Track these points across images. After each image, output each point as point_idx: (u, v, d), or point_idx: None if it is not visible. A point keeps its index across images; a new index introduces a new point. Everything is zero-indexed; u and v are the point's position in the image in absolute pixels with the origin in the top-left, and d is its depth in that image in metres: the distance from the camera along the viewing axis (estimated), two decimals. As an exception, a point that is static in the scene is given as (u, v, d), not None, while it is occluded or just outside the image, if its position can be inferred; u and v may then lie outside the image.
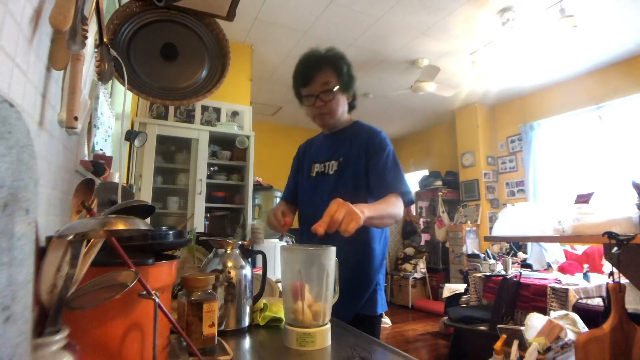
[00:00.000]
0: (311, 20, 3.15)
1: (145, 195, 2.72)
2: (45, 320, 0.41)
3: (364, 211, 0.90)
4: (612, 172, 3.79)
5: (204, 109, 3.29)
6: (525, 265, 3.80)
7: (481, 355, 2.35)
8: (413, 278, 5.22)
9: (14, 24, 0.49)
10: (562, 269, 3.49)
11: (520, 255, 4.12)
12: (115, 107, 1.90)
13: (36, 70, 0.59)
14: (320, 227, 0.83)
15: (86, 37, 0.64)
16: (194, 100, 1.21)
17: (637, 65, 3.72)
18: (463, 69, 4.02)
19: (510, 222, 2.18)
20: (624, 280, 1.44)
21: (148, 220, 0.70)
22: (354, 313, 1.15)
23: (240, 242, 0.90)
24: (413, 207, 5.77)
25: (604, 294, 2.55)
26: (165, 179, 3.05)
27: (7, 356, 0.31)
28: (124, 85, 0.95)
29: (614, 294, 1.39)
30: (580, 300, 2.62)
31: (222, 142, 3.28)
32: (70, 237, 0.44)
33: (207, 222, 3.06)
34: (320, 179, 1.28)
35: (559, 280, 3.01)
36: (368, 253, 1.19)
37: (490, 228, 4.60)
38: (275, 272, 2.06)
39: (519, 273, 3.13)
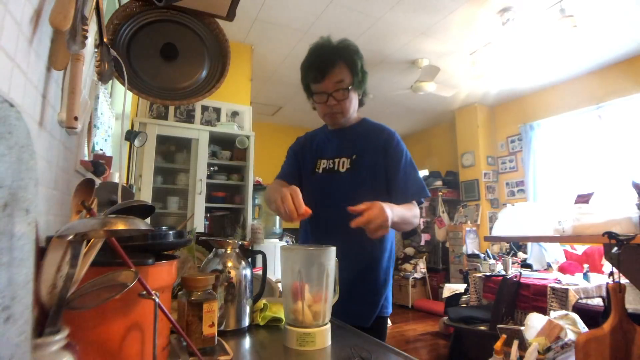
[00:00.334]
0: (311, 20, 3.15)
1: (145, 195, 2.72)
2: (45, 320, 0.41)
3: (393, 219, 0.95)
4: (612, 172, 3.79)
5: (204, 109, 3.29)
6: (525, 265, 3.80)
7: (481, 355, 2.35)
8: (413, 278, 5.22)
9: (14, 24, 0.49)
10: (562, 269, 3.49)
11: (520, 255, 4.12)
12: (115, 107, 1.90)
13: (36, 70, 0.59)
14: (354, 224, 0.88)
15: (86, 37, 0.64)
16: (194, 100, 1.21)
17: (637, 65, 3.72)
18: (463, 69, 4.02)
19: (510, 222, 2.18)
20: (624, 280, 1.44)
21: (148, 220, 0.70)
22: (376, 314, 1.16)
23: (240, 242, 0.90)
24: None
25: (604, 294, 2.55)
26: (165, 179, 3.05)
27: (7, 356, 0.31)
28: (124, 85, 0.95)
29: (614, 294, 1.39)
30: (580, 300, 2.62)
31: (222, 142, 3.28)
32: (70, 237, 0.44)
33: (207, 222, 3.06)
34: (329, 175, 1.22)
35: (559, 280, 3.01)
36: (382, 251, 1.20)
37: (490, 228, 4.60)
38: (275, 272, 2.06)
39: (519, 273, 3.13)
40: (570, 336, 2.02)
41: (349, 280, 1.07)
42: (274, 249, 2.90)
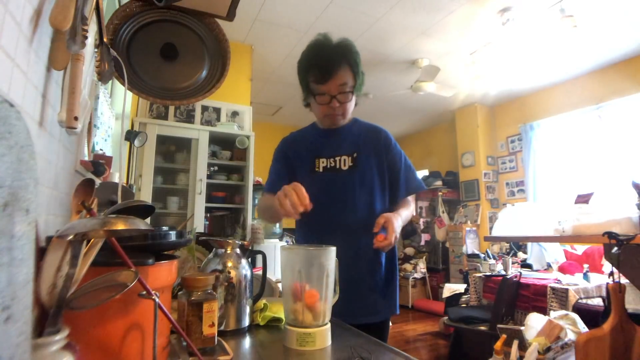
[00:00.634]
0: (311, 20, 3.15)
1: (145, 195, 2.72)
2: (45, 320, 0.41)
3: (400, 227, 1.08)
4: (612, 172, 3.79)
5: (204, 109, 3.29)
6: (525, 265, 3.80)
7: (481, 355, 2.35)
8: (413, 278, 5.22)
9: (14, 24, 0.49)
10: (562, 269, 3.49)
11: (520, 255, 4.12)
12: (115, 107, 1.90)
13: (36, 70, 0.59)
14: (386, 243, 1.01)
15: (86, 37, 0.64)
16: (193, 100, 1.21)
17: (637, 65, 3.72)
18: (463, 69, 4.02)
19: (510, 222, 2.18)
20: (624, 280, 1.44)
21: (148, 220, 0.70)
22: (392, 312, 1.21)
23: (240, 242, 0.90)
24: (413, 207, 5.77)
25: (604, 294, 2.55)
26: (165, 179, 3.05)
27: (7, 356, 0.31)
28: (124, 85, 0.95)
29: (614, 294, 1.39)
30: (580, 300, 2.62)
31: (222, 142, 3.28)
32: (70, 237, 0.44)
33: (207, 222, 3.06)
34: (331, 174, 1.22)
35: (559, 280, 3.01)
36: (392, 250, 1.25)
37: (490, 228, 4.60)
38: (275, 272, 2.06)
39: (519, 273, 3.13)
40: (570, 336, 2.02)
41: (353, 277, 1.12)
42: (274, 249, 2.90)
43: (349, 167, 1.21)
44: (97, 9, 0.78)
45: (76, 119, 0.68)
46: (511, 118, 5.02)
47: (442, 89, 4.02)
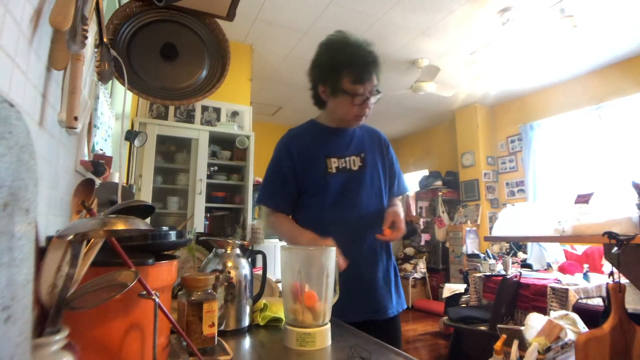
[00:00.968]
0: (311, 20, 3.15)
1: (145, 195, 2.72)
2: (45, 320, 0.41)
3: None
4: (612, 172, 3.78)
5: (204, 109, 3.29)
6: (525, 265, 3.80)
7: (481, 355, 2.35)
8: (413, 278, 5.22)
9: (14, 24, 0.49)
10: (562, 269, 3.49)
11: (520, 255, 4.12)
12: (115, 107, 1.90)
13: (36, 70, 0.59)
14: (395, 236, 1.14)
15: (86, 37, 0.64)
16: (193, 100, 1.21)
17: (637, 65, 3.72)
18: (463, 69, 4.02)
19: (510, 222, 2.18)
20: (624, 280, 1.44)
21: (148, 220, 0.70)
22: (402, 306, 1.27)
23: (240, 242, 0.90)
24: (413, 207, 5.77)
25: (604, 294, 2.55)
26: (165, 179, 3.05)
27: (7, 356, 0.31)
28: (124, 85, 0.95)
29: (614, 294, 1.39)
30: (580, 300, 2.62)
31: (222, 142, 3.28)
32: (70, 237, 0.44)
33: (207, 222, 3.06)
34: (345, 174, 1.21)
35: (559, 280, 3.01)
36: (390, 246, 1.31)
37: (490, 228, 4.60)
38: (275, 272, 2.06)
39: (519, 273, 3.13)
40: (570, 336, 2.02)
41: (370, 275, 1.19)
42: (274, 249, 2.91)
43: (358, 167, 1.24)
44: (97, 9, 0.78)
45: (76, 119, 0.68)
46: (511, 118, 5.02)
47: (442, 89, 4.02)
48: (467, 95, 4.87)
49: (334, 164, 1.22)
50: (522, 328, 2.18)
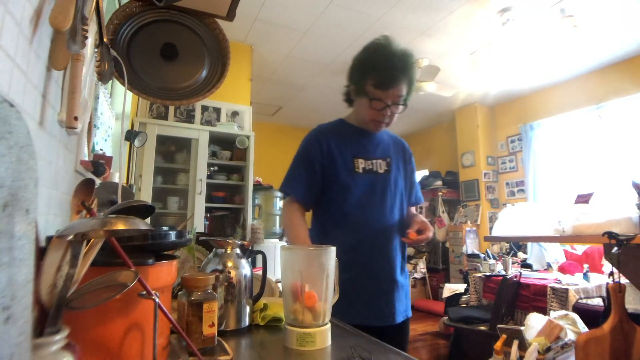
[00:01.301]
0: (311, 20, 3.15)
1: (145, 195, 2.72)
2: (45, 320, 0.41)
3: None
4: (612, 172, 3.78)
5: (204, 109, 3.29)
6: (525, 265, 3.80)
7: (481, 355, 2.35)
8: (413, 278, 5.22)
9: (14, 24, 0.49)
10: (562, 269, 3.49)
11: (520, 255, 4.12)
12: (115, 107, 1.90)
13: (36, 70, 0.59)
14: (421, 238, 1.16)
15: (86, 37, 0.64)
16: (193, 100, 1.21)
17: (637, 65, 3.72)
18: (463, 69, 4.02)
19: (510, 222, 2.18)
20: (624, 280, 1.44)
21: (148, 220, 0.70)
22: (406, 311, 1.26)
23: (240, 242, 0.90)
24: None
25: (604, 294, 2.55)
26: (165, 179, 3.05)
27: (7, 356, 0.31)
28: (124, 85, 0.95)
29: (614, 294, 1.39)
30: (580, 300, 2.62)
31: (222, 142, 3.28)
32: (70, 237, 0.44)
33: (207, 222, 3.06)
34: (370, 176, 1.22)
35: (559, 280, 3.01)
36: (406, 250, 1.33)
37: (490, 228, 4.60)
38: (275, 272, 2.06)
39: (519, 273, 3.13)
40: (570, 336, 2.02)
41: (388, 277, 1.20)
42: (274, 249, 2.91)
43: (384, 171, 1.26)
44: (97, 9, 0.78)
45: (76, 119, 0.68)
46: (511, 118, 5.02)
47: (442, 89, 4.02)
48: (467, 95, 4.87)
49: (361, 164, 1.24)
50: (522, 328, 2.18)
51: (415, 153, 1.47)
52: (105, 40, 0.85)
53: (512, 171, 5.00)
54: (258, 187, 3.62)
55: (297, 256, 0.81)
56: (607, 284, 1.46)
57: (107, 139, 1.58)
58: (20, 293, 0.34)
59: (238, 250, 0.89)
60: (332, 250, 0.80)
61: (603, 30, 3.27)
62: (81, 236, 0.45)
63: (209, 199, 3.05)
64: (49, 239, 0.47)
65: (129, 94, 1.09)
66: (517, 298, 3.00)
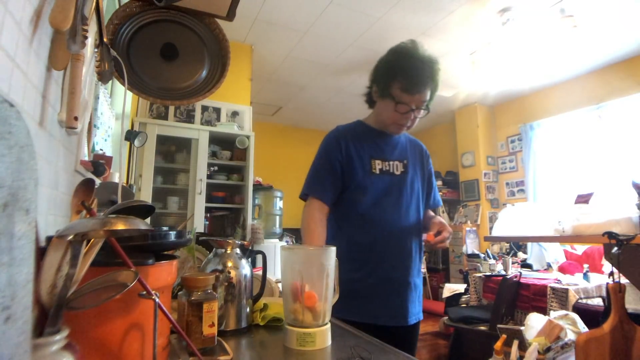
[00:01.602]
0: (311, 20, 3.15)
1: (145, 195, 2.72)
2: (45, 320, 0.41)
3: None
4: (612, 172, 3.78)
5: (204, 109, 3.29)
6: (525, 265, 3.80)
7: (481, 355, 2.35)
8: (413, 278, 5.21)
9: (14, 24, 0.49)
10: (562, 269, 3.49)
11: (520, 255, 4.12)
12: (115, 107, 1.90)
13: (36, 70, 0.59)
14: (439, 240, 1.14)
15: (86, 37, 0.64)
16: (193, 100, 1.21)
17: (637, 65, 3.72)
18: (463, 69, 4.02)
19: (510, 222, 2.18)
20: (624, 280, 1.44)
21: (148, 220, 0.70)
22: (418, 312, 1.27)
23: (240, 242, 0.90)
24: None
25: (604, 294, 2.55)
26: (165, 179, 3.05)
27: (7, 356, 0.31)
28: (124, 85, 0.95)
29: (614, 294, 1.39)
30: (580, 300, 2.62)
31: (222, 142, 3.28)
32: (70, 237, 0.44)
33: (207, 222, 3.06)
34: (387, 177, 1.24)
35: (559, 280, 3.01)
36: (422, 252, 1.33)
37: (490, 228, 4.60)
38: (275, 272, 2.06)
39: (519, 273, 3.13)
40: (570, 336, 2.02)
41: (404, 279, 1.20)
42: (274, 249, 2.91)
43: (401, 173, 1.27)
44: (97, 9, 0.78)
45: (76, 119, 0.68)
46: (511, 118, 5.02)
47: (442, 89, 4.01)
48: (467, 95, 4.87)
49: (377, 165, 1.25)
50: (522, 328, 2.18)
51: (415, 153, 1.45)
52: (105, 40, 0.85)
53: (512, 171, 5.00)
54: (258, 187, 3.62)
55: (297, 256, 0.81)
56: (607, 284, 1.45)
57: (107, 139, 1.58)
58: (20, 293, 0.34)
59: (238, 250, 0.89)
60: (332, 250, 0.80)
61: (603, 30, 3.27)
62: (81, 236, 0.45)
63: (209, 199, 3.05)
64: (49, 239, 0.47)
65: (129, 94, 1.09)
66: (517, 298, 2.99)
